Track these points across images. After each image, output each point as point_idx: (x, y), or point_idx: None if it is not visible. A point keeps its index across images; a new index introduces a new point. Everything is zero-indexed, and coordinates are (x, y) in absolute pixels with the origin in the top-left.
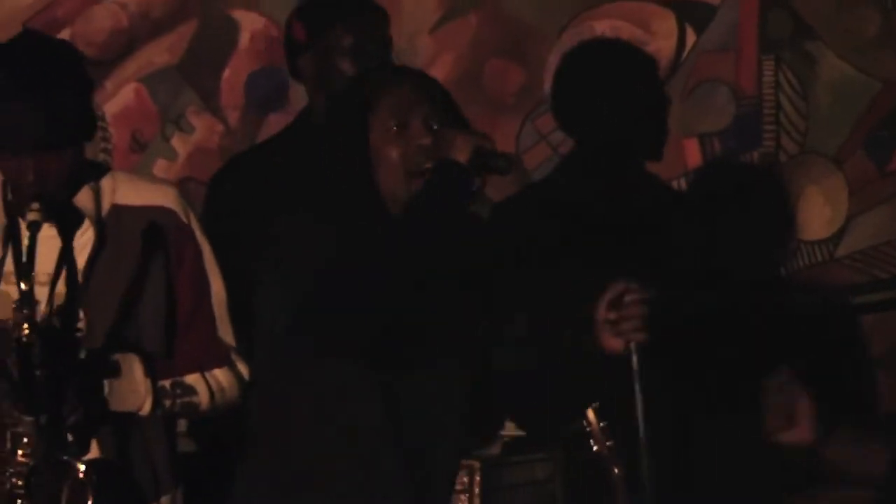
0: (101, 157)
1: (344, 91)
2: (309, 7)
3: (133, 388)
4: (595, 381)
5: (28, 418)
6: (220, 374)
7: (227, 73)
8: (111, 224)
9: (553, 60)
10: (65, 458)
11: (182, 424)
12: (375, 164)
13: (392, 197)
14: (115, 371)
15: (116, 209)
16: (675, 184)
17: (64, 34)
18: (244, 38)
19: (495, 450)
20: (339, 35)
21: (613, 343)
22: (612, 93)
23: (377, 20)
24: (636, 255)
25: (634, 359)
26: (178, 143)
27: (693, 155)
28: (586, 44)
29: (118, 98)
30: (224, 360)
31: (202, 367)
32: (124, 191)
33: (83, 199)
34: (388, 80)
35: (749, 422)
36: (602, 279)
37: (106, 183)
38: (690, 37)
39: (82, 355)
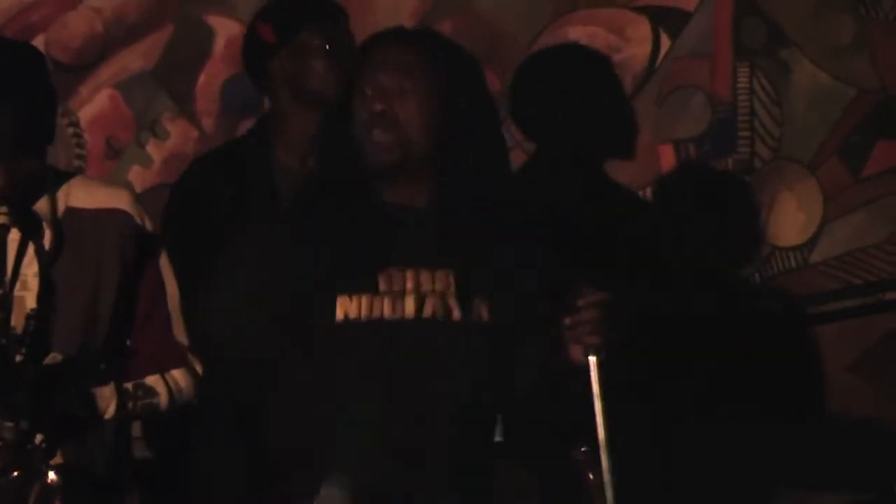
0: (76, 163)
1: None
2: (275, 9)
3: (99, 393)
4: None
5: (9, 424)
6: (178, 375)
7: (202, 78)
8: (66, 227)
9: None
10: (33, 463)
11: (136, 429)
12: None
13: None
14: (93, 376)
15: (71, 212)
16: (649, 189)
17: (38, 40)
18: (219, 44)
19: None
20: (310, 35)
21: (574, 351)
22: (568, 96)
23: (341, 19)
24: (599, 260)
25: (591, 365)
26: (153, 149)
27: (668, 161)
28: (544, 50)
29: (93, 104)
30: (181, 361)
31: (161, 368)
32: (78, 194)
33: (40, 204)
34: (374, 43)
35: (723, 428)
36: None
37: (61, 188)
38: (665, 43)
39: (53, 360)
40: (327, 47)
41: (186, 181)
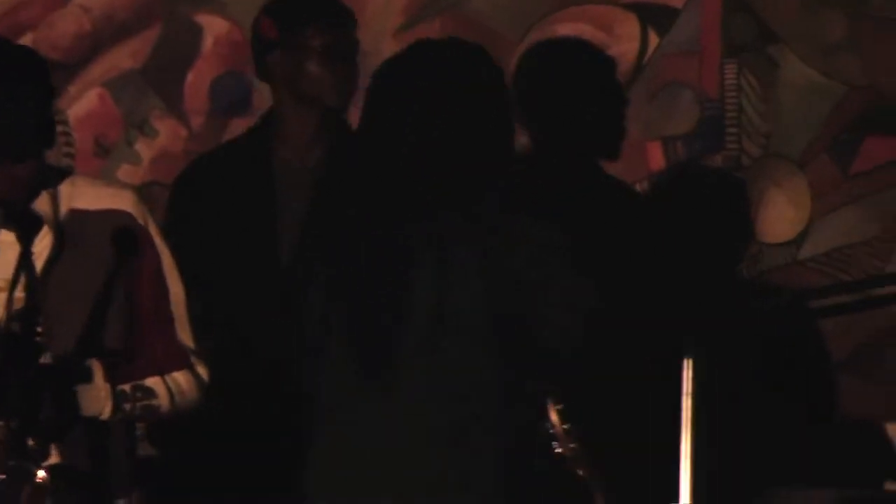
0: (65, 161)
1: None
2: (280, 5)
3: (94, 394)
4: None
5: None
6: (180, 377)
7: (190, 77)
8: (69, 228)
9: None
10: (23, 463)
11: (141, 428)
12: None
13: None
14: (86, 377)
15: (74, 213)
16: (637, 187)
17: (27, 38)
18: (208, 43)
19: None
20: (311, 35)
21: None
22: (567, 91)
23: (347, 22)
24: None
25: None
26: (142, 148)
27: (656, 158)
28: (544, 42)
29: (82, 102)
30: (184, 363)
31: (162, 370)
32: (82, 195)
33: (41, 203)
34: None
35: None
36: None
37: (64, 187)
38: (653, 40)
39: (46, 360)
40: (327, 48)
41: (186, 180)
